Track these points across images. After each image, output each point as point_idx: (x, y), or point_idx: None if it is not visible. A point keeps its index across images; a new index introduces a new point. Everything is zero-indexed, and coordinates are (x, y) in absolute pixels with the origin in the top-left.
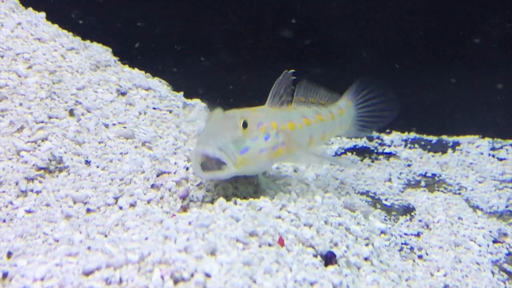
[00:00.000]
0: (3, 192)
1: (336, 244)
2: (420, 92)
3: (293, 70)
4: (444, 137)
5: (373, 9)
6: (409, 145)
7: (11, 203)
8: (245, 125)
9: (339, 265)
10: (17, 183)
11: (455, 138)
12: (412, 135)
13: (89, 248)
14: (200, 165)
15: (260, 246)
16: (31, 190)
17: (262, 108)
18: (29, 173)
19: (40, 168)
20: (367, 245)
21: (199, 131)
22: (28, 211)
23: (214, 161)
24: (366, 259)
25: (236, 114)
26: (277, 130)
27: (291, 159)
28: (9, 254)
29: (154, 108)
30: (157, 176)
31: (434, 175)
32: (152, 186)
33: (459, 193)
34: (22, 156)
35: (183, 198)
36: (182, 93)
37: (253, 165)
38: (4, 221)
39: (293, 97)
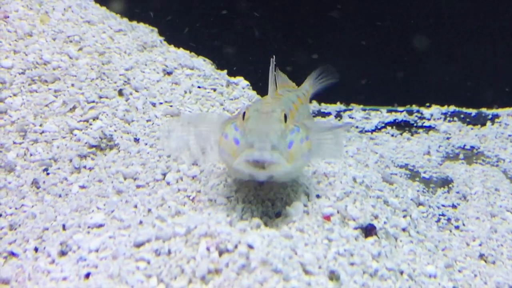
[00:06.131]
0: (58, 168)
1: (376, 217)
2: (458, 65)
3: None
4: (484, 109)
5: None
6: (448, 118)
7: (66, 179)
8: (285, 118)
9: (378, 237)
10: (71, 160)
11: (494, 111)
12: (452, 108)
13: (140, 222)
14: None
15: None
16: (84, 167)
17: (272, 98)
18: (82, 150)
19: (92, 146)
20: (404, 216)
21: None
22: (82, 187)
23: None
24: (403, 230)
25: (274, 107)
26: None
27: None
28: (64, 227)
29: (199, 87)
30: (202, 153)
31: (472, 147)
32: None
33: (497, 165)
34: (75, 135)
35: None
36: (225, 71)
37: (300, 158)
38: (60, 196)
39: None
